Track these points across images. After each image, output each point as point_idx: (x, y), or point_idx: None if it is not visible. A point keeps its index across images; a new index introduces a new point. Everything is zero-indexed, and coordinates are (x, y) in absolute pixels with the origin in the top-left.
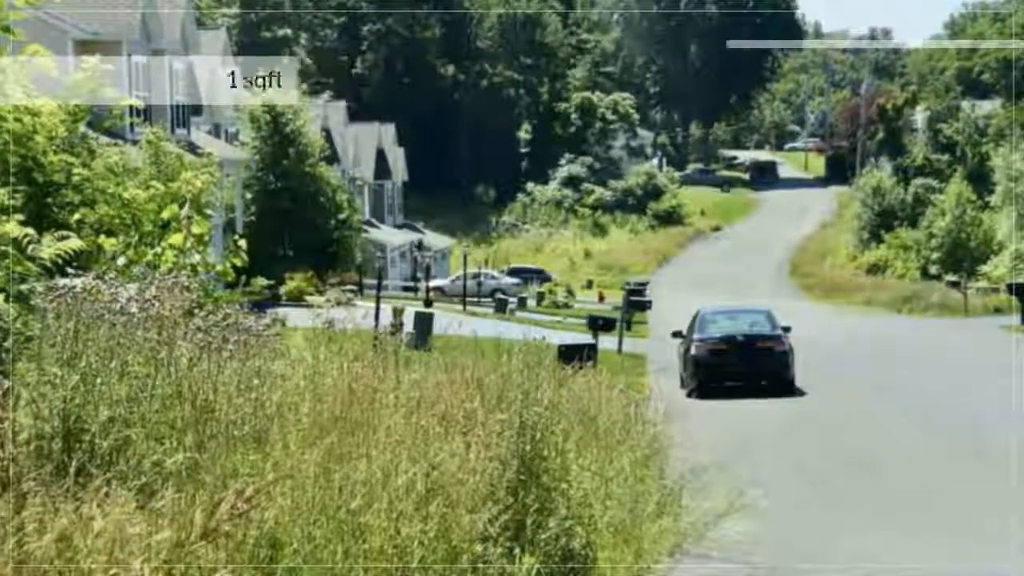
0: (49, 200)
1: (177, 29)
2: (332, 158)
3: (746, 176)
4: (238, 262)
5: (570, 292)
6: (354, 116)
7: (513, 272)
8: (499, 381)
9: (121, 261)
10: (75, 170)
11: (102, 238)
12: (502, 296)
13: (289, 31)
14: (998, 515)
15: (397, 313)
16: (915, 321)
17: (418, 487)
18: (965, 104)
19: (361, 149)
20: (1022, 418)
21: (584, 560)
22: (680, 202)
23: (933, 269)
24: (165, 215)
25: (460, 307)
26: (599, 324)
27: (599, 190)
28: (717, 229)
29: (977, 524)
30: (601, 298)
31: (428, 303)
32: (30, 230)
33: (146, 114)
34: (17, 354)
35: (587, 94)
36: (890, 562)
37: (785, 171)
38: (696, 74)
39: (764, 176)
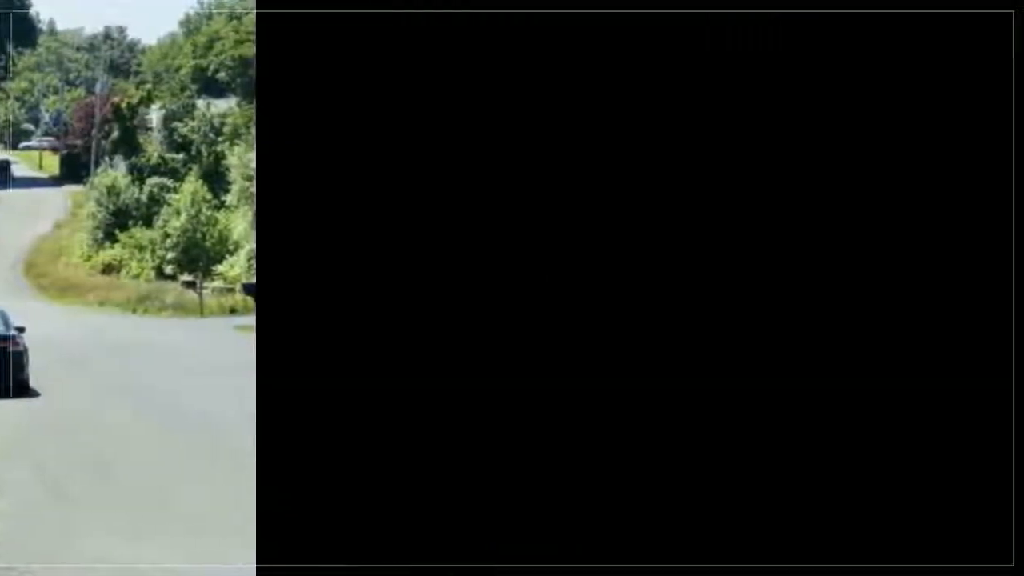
0: None
1: None
2: None
3: None
4: None
5: None
6: None
7: None
8: None
9: None
10: None
11: None
12: None
13: None
14: (238, 514)
15: None
16: (151, 321)
17: None
18: (201, 103)
19: None
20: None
21: None
22: None
23: (169, 269)
24: None
25: None
26: None
27: None
28: None
29: (220, 523)
30: None
31: None
32: None
33: None
34: None
35: None
36: (126, 562)
37: (19, 170)
38: None
39: None
